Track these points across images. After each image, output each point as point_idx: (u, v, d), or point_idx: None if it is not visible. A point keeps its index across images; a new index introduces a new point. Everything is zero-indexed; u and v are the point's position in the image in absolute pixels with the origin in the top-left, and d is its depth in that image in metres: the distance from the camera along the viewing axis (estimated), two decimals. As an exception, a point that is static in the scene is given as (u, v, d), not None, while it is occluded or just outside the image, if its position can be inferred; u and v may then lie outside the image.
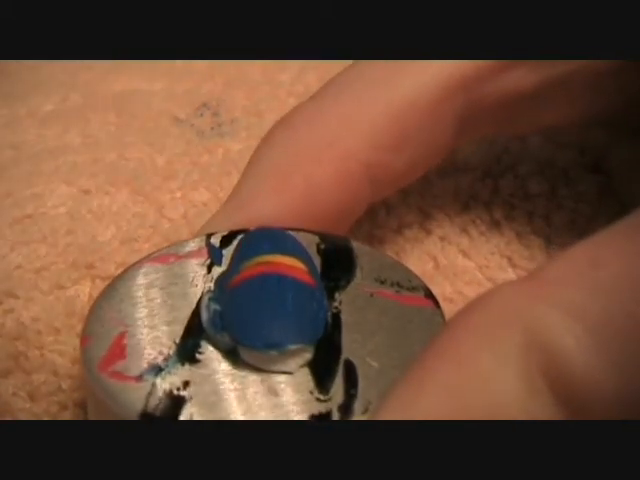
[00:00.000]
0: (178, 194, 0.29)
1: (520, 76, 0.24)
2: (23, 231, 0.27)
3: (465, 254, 0.27)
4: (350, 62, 0.25)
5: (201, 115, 0.32)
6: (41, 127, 0.32)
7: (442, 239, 0.28)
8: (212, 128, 0.32)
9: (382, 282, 0.22)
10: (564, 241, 0.27)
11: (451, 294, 0.27)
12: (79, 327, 0.23)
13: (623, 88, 0.25)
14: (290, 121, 0.24)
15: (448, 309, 0.25)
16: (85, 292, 0.26)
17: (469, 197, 0.29)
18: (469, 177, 0.29)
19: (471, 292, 0.26)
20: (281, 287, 0.20)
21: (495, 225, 0.28)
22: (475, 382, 0.17)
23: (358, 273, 0.22)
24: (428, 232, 0.28)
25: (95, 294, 0.25)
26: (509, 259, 0.27)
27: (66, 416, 0.24)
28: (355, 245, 0.23)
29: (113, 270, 0.26)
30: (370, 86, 0.24)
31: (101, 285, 0.25)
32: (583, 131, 0.29)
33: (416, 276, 0.22)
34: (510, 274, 0.27)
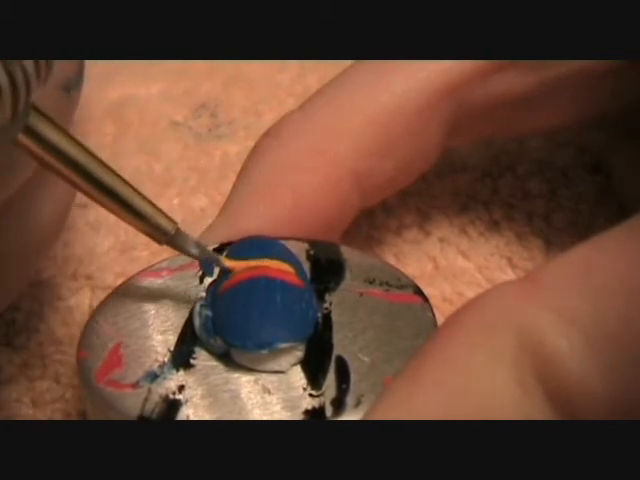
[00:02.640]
0: (176, 201, 0.30)
1: (509, 80, 0.25)
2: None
3: (464, 255, 0.28)
4: (350, 63, 0.25)
5: (199, 116, 0.33)
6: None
7: (441, 240, 0.28)
8: (210, 130, 0.32)
9: (371, 282, 0.23)
10: (564, 242, 0.28)
11: (451, 295, 0.27)
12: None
13: (617, 91, 0.25)
14: (277, 131, 0.24)
15: (448, 310, 0.26)
16: (85, 302, 0.26)
17: (468, 197, 0.29)
18: (468, 177, 0.30)
19: (471, 293, 0.27)
20: (269, 288, 0.21)
21: (494, 225, 0.29)
22: (468, 381, 0.18)
23: (347, 275, 0.23)
24: (427, 233, 0.29)
25: (95, 304, 0.25)
26: (509, 260, 0.28)
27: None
28: (344, 249, 0.24)
29: (112, 280, 0.27)
30: (356, 94, 0.24)
31: (101, 295, 0.26)
32: (582, 131, 0.30)
33: (405, 275, 0.23)
34: (510, 275, 0.28)
